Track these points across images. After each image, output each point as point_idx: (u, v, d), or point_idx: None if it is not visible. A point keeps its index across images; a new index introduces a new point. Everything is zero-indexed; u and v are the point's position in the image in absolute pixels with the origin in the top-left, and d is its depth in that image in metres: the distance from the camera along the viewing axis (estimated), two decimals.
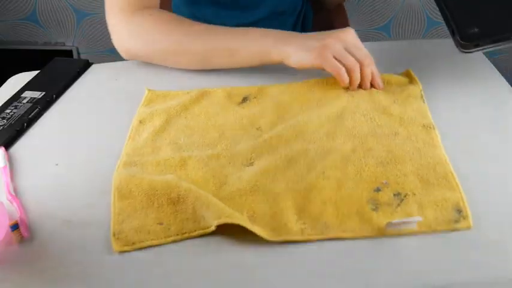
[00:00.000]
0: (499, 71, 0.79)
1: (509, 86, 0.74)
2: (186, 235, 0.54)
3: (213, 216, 0.54)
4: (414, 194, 0.55)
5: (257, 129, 0.68)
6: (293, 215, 0.54)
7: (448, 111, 0.69)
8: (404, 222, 0.51)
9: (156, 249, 0.53)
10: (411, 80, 0.76)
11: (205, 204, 0.55)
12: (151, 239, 0.53)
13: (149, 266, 0.51)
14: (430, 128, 0.65)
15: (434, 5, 1.80)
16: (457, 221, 0.52)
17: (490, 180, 0.58)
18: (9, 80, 0.89)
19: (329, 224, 0.53)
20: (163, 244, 0.53)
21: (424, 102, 0.71)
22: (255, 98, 0.75)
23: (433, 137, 0.64)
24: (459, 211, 0.53)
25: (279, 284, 0.48)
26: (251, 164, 0.62)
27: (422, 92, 0.73)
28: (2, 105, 0.79)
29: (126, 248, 0.53)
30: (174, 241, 0.53)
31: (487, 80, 0.77)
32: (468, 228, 0.52)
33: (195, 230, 0.54)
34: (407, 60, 0.80)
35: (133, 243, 0.53)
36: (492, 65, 0.81)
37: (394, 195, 0.55)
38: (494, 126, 0.66)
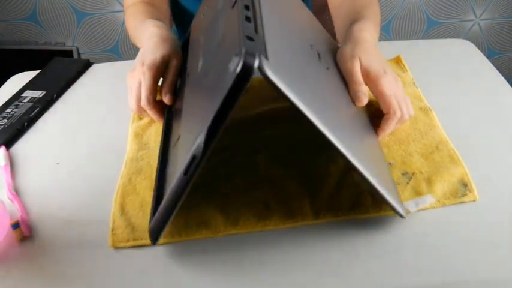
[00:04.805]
0: (499, 71, 0.79)
1: (509, 86, 0.75)
2: (182, 238, 0.54)
3: (217, 223, 0.55)
4: (421, 172, 0.58)
5: (253, 119, 0.69)
6: (306, 198, 0.56)
7: (448, 110, 0.69)
8: (417, 201, 0.54)
9: (157, 248, 0.53)
10: (401, 67, 0.79)
11: (210, 209, 0.56)
12: (146, 239, 0.53)
13: (149, 265, 0.52)
14: (427, 110, 0.69)
15: (434, 5, 1.80)
16: (463, 195, 0.55)
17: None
18: (10, 79, 0.89)
19: (342, 205, 0.55)
20: (158, 245, 0.53)
21: (417, 87, 0.74)
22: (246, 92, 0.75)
23: (432, 118, 0.67)
24: (465, 185, 0.56)
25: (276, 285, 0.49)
26: (257, 151, 0.63)
27: (414, 79, 0.76)
28: (3, 105, 0.79)
29: (120, 245, 0.53)
30: (168, 243, 0.54)
31: (487, 79, 0.77)
32: (474, 200, 0.55)
33: (192, 235, 0.54)
34: (407, 60, 0.80)
35: (128, 241, 0.54)
36: (492, 65, 0.81)
37: (402, 174, 0.58)
38: (494, 124, 0.66)
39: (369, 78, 0.60)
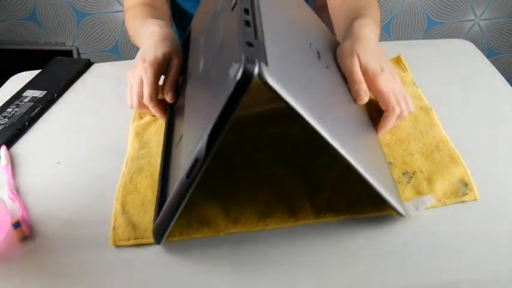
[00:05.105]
0: (499, 71, 0.79)
1: (509, 85, 0.75)
2: (184, 237, 0.54)
3: (219, 222, 0.55)
4: (422, 172, 0.58)
5: (255, 118, 0.69)
6: (307, 198, 0.56)
7: (448, 110, 0.69)
8: (417, 203, 0.54)
9: (158, 247, 0.53)
10: (402, 67, 0.80)
11: (211, 207, 0.56)
12: (147, 237, 0.54)
13: (150, 263, 0.52)
14: (427, 109, 0.69)
15: (434, 5, 1.80)
16: (464, 194, 0.55)
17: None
18: (10, 79, 0.89)
19: (343, 205, 0.55)
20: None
21: (417, 87, 0.74)
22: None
23: (432, 117, 0.67)
24: (465, 184, 0.56)
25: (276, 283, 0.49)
26: (259, 150, 0.63)
27: (414, 79, 0.76)
28: (4, 104, 0.79)
29: (121, 243, 0.54)
30: (169, 241, 0.53)
31: (487, 79, 0.77)
32: (475, 199, 0.55)
33: (194, 234, 0.54)
34: (407, 60, 0.80)
35: (129, 239, 0.54)
36: (492, 65, 0.81)
37: (403, 173, 0.58)
38: (494, 124, 0.66)
39: (367, 77, 0.60)
